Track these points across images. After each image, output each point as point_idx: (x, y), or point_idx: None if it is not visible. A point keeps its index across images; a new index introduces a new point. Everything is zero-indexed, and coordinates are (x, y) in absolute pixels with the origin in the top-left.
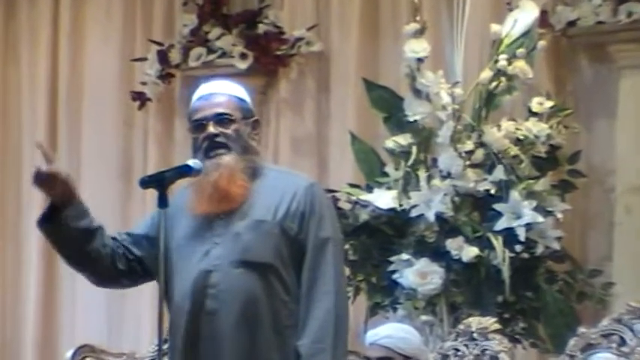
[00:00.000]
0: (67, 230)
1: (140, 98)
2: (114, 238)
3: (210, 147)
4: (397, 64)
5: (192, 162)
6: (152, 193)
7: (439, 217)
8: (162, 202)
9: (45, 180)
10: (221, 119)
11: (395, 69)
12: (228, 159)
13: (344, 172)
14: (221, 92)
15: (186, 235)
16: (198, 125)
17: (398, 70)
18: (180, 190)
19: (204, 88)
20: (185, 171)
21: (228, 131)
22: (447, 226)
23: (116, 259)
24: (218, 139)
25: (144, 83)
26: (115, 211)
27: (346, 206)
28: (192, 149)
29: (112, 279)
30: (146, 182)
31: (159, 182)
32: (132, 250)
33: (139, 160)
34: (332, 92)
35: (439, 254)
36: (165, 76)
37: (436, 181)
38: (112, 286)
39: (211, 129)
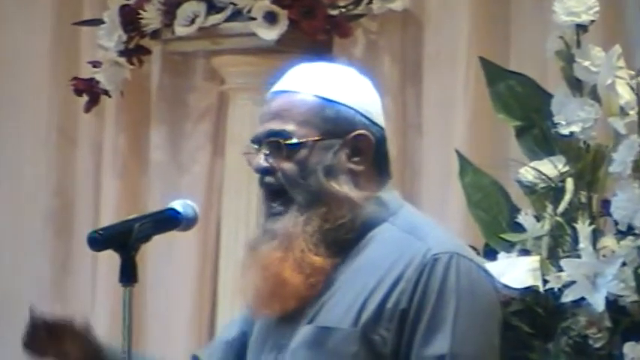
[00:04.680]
0: None
1: (89, 91)
2: None
3: (264, 196)
4: (541, 34)
5: (180, 204)
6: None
7: (613, 303)
8: (127, 274)
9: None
10: (276, 143)
11: (537, 44)
12: (286, 222)
13: (450, 224)
14: (293, 89)
15: (254, 336)
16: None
17: (542, 45)
18: None
19: (277, 81)
20: (169, 219)
21: (288, 166)
22: (626, 321)
23: None
24: (268, 181)
25: (96, 65)
26: (43, 287)
27: None
28: None
29: None
30: (100, 240)
31: (121, 240)
32: None
33: (85, 199)
34: (426, 82)
35: None
36: (133, 52)
37: (608, 241)
38: None
39: (259, 160)
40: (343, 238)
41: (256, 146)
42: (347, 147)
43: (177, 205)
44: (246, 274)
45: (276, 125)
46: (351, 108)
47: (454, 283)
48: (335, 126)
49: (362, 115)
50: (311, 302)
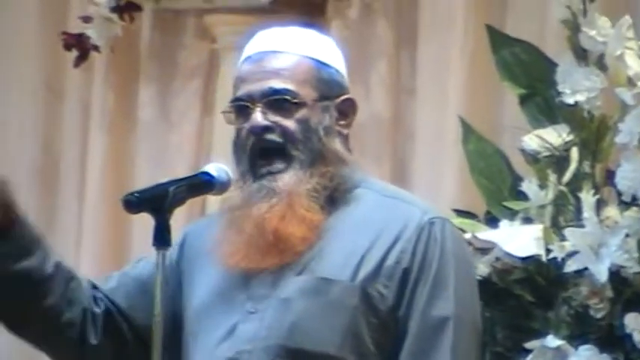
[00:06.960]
0: None
1: (79, 46)
2: (94, 287)
3: (256, 154)
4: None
5: (214, 168)
6: (114, 217)
7: (615, 274)
8: (162, 237)
9: None
10: (277, 101)
11: (534, 9)
12: (287, 179)
13: (445, 189)
14: (286, 50)
15: (209, 292)
16: (240, 108)
17: (539, 10)
18: (208, 215)
19: (258, 41)
20: (203, 183)
21: (289, 123)
22: (628, 292)
23: (88, 329)
24: (269, 138)
25: (86, 20)
26: None
27: None
28: (232, 149)
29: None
30: (136, 202)
31: (156, 203)
32: (123, 311)
33: (71, 155)
34: (423, 46)
35: (614, 339)
36: (124, 9)
37: (611, 211)
38: None
39: (258, 118)
40: (334, 197)
41: (248, 104)
42: (336, 110)
43: (211, 168)
44: (237, 228)
45: (276, 84)
46: (339, 72)
47: (451, 247)
48: (329, 88)
49: (345, 80)
50: (299, 255)
